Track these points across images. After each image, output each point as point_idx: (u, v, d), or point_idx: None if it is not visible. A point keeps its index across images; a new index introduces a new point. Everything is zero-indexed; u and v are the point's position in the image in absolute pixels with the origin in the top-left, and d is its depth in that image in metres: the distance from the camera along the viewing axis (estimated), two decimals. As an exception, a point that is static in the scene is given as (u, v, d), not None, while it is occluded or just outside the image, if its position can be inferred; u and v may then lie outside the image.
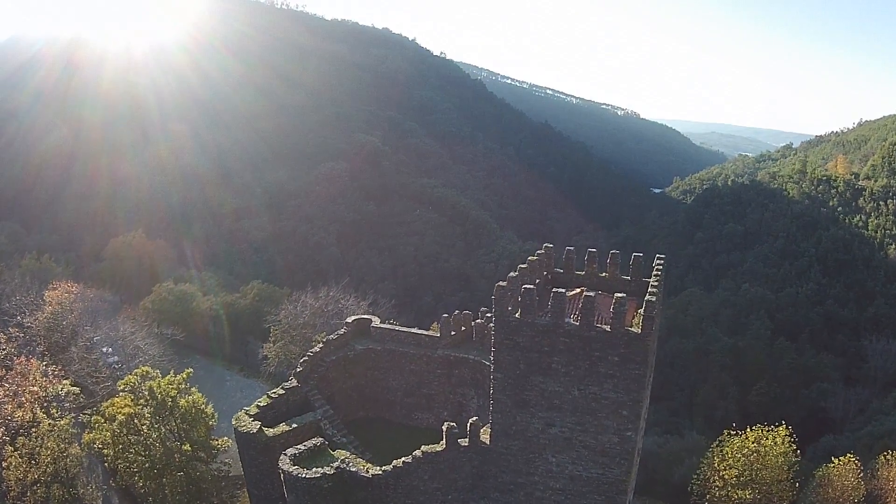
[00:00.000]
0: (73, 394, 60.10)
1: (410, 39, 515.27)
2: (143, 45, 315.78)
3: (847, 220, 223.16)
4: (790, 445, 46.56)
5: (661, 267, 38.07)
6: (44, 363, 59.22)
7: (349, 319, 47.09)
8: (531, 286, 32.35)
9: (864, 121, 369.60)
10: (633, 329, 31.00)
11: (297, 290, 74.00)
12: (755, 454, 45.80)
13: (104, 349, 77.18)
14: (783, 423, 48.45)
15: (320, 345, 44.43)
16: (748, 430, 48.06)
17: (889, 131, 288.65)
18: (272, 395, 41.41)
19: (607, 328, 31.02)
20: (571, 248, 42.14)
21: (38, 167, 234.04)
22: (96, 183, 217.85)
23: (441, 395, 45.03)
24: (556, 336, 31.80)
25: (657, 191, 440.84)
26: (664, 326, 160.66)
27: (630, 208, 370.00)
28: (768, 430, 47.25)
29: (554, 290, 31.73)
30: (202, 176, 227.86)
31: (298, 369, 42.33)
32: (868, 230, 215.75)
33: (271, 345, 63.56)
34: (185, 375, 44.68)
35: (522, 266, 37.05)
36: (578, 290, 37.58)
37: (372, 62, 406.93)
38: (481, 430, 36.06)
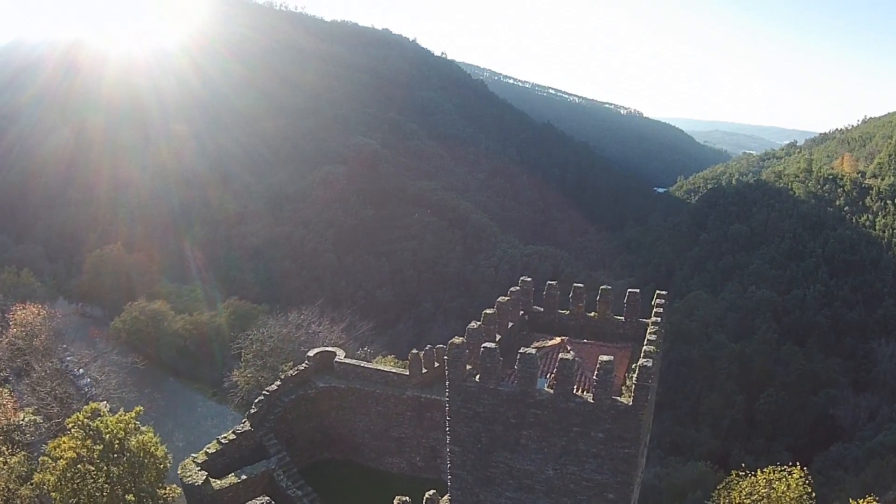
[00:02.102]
0: (35, 423, 56.65)
1: (411, 40, 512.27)
2: (144, 48, 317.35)
3: (854, 220, 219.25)
4: (805, 488, 42.10)
5: (661, 306, 32.06)
6: (5, 390, 55.86)
7: (311, 353, 42.79)
8: (492, 345, 26.80)
9: (868, 118, 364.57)
10: (621, 400, 25.60)
11: (275, 310, 70.18)
12: (766, 499, 41.42)
13: (77, 371, 73.87)
14: (797, 463, 43.99)
15: (278, 382, 40.50)
16: (759, 472, 43.51)
17: (894, 128, 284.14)
18: (222, 441, 37.59)
19: (590, 398, 25.72)
20: (555, 282, 36.21)
21: (34, 174, 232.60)
22: (95, 188, 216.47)
23: (412, 439, 40.51)
24: (525, 407, 26.55)
25: (661, 190, 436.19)
26: (669, 332, 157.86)
27: (634, 209, 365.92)
28: (781, 471, 42.78)
29: (522, 350, 26.28)
30: (203, 177, 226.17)
31: (253, 410, 38.45)
32: (875, 230, 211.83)
33: (242, 370, 59.20)
34: (134, 414, 40.93)
35: (488, 311, 30.90)
36: (559, 339, 31.73)
37: (372, 63, 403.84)
38: (440, 504, 31.27)
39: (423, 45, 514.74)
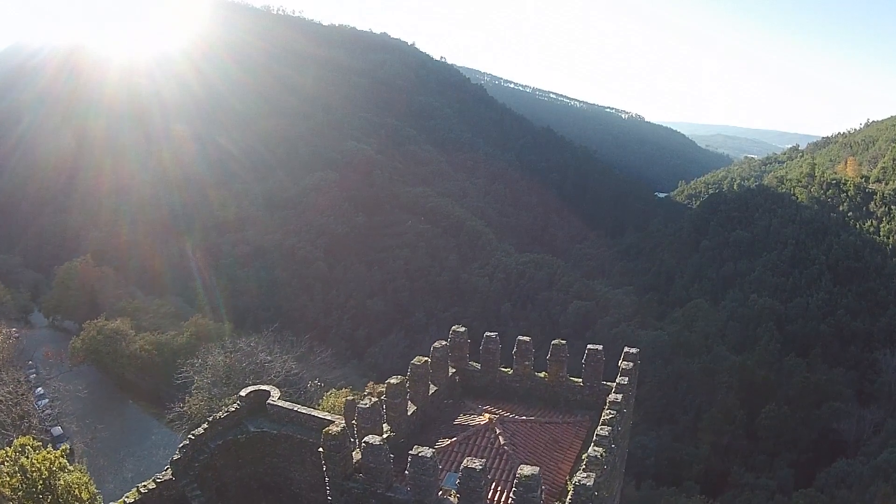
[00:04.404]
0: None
1: (409, 44, 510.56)
2: (145, 52, 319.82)
3: (858, 226, 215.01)
4: None
5: (628, 373, 25.79)
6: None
7: (243, 392, 38.24)
8: (378, 441, 20.77)
9: (870, 121, 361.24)
10: None
11: (264, 324, 65.91)
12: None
13: (37, 390, 70.10)
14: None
15: (205, 425, 36.19)
16: None
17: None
18: (142, 490, 33.38)
19: None
20: (494, 333, 29.48)
21: (32, 179, 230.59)
22: (91, 194, 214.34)
23: (354, 493, 35.78)
24: None
25: (662, 195, 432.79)
26: (668, 345, 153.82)
27: (634, 214, 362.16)
28: None
29: (413, 451, 19.95)
30: (202, 180, 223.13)
31: (175, 457, 34.25)
32: (880, 236, 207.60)
33: (193, 399, 54.42)
34: (60, 453, 36.88)
35: (393, 380, 24.44)
36: (486, 418, 25.19)
37: (370, 67, 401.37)
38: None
39: (421, 49, 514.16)
